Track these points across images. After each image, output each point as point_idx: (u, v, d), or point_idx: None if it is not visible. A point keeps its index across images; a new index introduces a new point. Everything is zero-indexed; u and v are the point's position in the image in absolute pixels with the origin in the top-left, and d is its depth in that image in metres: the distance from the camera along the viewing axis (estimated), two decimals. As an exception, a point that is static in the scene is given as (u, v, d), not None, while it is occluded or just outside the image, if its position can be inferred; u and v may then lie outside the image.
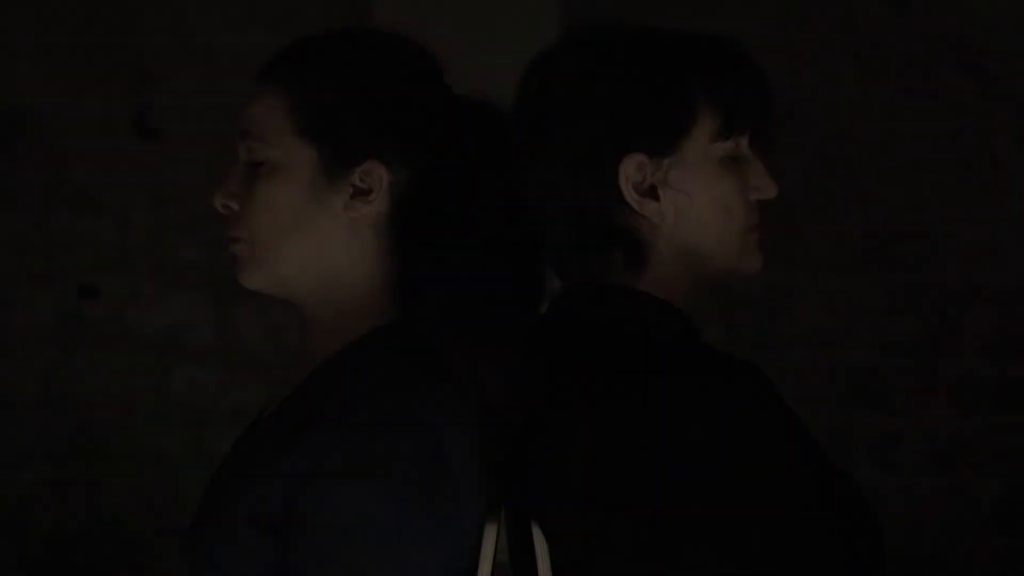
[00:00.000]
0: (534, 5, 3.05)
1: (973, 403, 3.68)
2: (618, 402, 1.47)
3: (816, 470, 1.49)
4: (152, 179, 3.58)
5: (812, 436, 1.51)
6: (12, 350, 3.57)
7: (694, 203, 1.54)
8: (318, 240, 1.52)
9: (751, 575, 1.44)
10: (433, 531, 1.43)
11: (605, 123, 1.53)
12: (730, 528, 1.44)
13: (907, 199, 3.64)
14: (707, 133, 1.54)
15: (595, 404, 1.48)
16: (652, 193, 1.53)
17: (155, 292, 3.60)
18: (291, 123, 1.51)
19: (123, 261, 3.59)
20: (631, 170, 1.53)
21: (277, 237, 1.52)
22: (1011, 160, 3.65)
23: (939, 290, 3.67)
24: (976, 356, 3.68)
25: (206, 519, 1.50)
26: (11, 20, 3.52)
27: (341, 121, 1.50)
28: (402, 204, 1.52)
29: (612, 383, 1.48)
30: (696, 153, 1.54)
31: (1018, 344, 3.68)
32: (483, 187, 1.52)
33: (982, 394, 3.68)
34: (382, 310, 1.53)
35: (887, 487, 3.67)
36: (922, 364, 3.70)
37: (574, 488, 1.48)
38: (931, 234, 3.67)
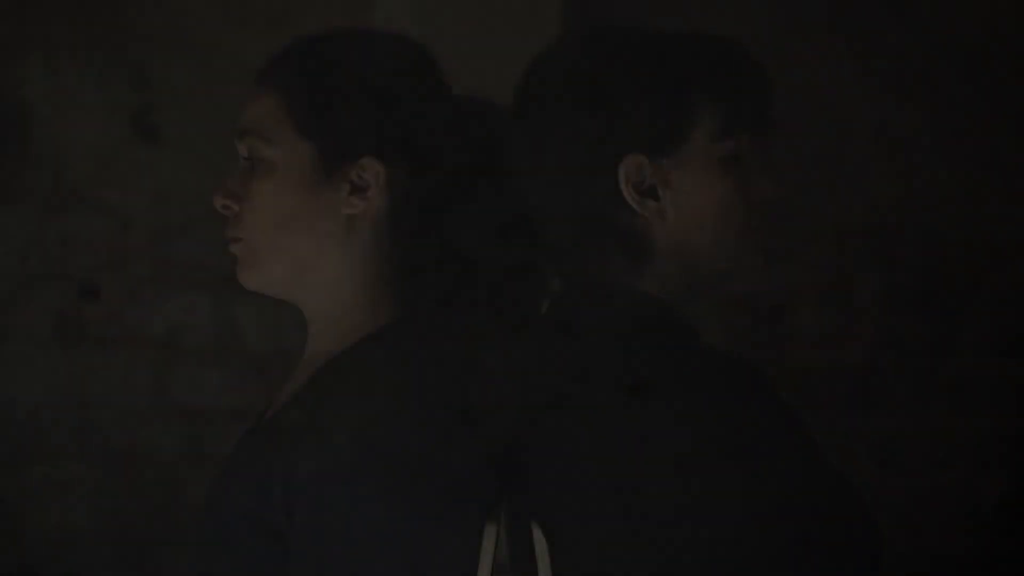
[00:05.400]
0: (534, 5, 3.05)
1: (973, 403, 3.68)
2: (618, 403, 1.47)
3: (813, 475, 1.49)
4: (152, 179, 3.58)
5: (812, 438, 1.51)
6: (12, 350, 3.57)
7: (695, 203, 1.54)
8: (317, 237, 1.52)
9: (747, 573, 1.44)
10: (433, 532, 1.43)
11: (605, 123, 1.53)
12: (730, 530, 1.44)
13: (907, 199, 3.64)
14: (707, 133, 1.54)
15: (595, 404, 1.48)
16: (652, 193, 1.54)
17: (155, 292, 3.60)
18: (290, 121, 1.52)
19: (123, 261, 3.59)
20: (631, 170, 1.53)
21: (276, 236, 1.52)
22: (1011, 160, 3.65)
23: (939, 290, 3.67)
24: (976, 356, 3.68)
25: (208, 522, 1.51)
26: (11, 20, 3.52)
27: (339, 118, 1.51)
28: (400, 201, 1.52)
29: (612, 383, 1.49)
30: (696, 153, 1.54)
31: (1018, 344, 3.68)
32: (482, 185, 1.53)
33: (982, 394, 3.68)
34: (381, 308, 1.53)
35: (887, 487, 3.67)
36: (922, 364, 3.70)
37: (575, 489, 1.48)
38: (931, 234, 3.67)
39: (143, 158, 3.63)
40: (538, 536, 1.51)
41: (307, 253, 1.53)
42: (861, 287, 3.70)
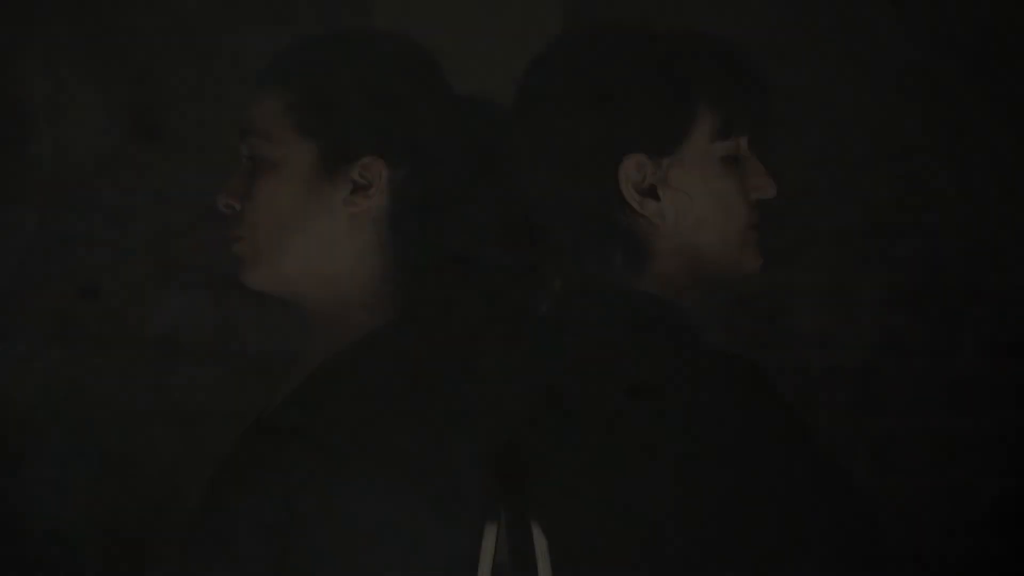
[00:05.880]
0: (534, 5, 3.05)
1: (973, 403, 3.68)
2: (618, 403, 1.47)
3: (814, 474, 1.49)
4: (152, 179, 3.59)
5: (813, 437, 1.51)
6: (12, 350, 3.57)
7: (694, 202, 1.54)
8: (319, 236, 1.52)
9: (747, 572, 1.45)
10: (432, 531, 1.43)
11: (605, 123, 1.53)
12: (730, 530, 1.44)
13: (907, 199, 3.64)
14: (707, 132, 1.54)
15: (595, 405, 1.48)
16: (652, 193, 1.54)
17: (155, 292, 3.60)
18: (292, 121, 1.52)
19: (123, 261, 3.59)
20: (631, 170, 1.53)
21: (279, 235, 1.52)
22: (1011, 160, 3.65)
23: (939, 290, 3.67)
24: (976, 356, 3.68)
25: (206, 520, 1.51)
26: (11, 20, 3.52)
27: (340, 117, 1.51)
28: (401, 200, 1.53)
29: (612, 384, 1.49)
30: (696, 152, 1.54)
31: (1018, 344, 3.68)
32: (482, 185, 1.53)
33: (982, 394, 3.68)
34: (382, 307, 1.53)
35: (887, 487, 3.67)
36: (922, 365, 3.70)
37: (575, 488, 1.48)
38: (931, 234, 3.67)
39: (143, 158, 3.63)
40: (538, 536, 1.51)
41: (309, 252, 1.53)
42: (861, 287, 3.70)
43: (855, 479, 1.53)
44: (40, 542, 3.63)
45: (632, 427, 1.46)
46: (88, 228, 3.65)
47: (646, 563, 1.45)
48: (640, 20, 1.59)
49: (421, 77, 1.56)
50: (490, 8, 3.03)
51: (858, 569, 1.48)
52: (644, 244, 1.55)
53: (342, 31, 1.60)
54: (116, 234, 3.68)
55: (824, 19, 3.67)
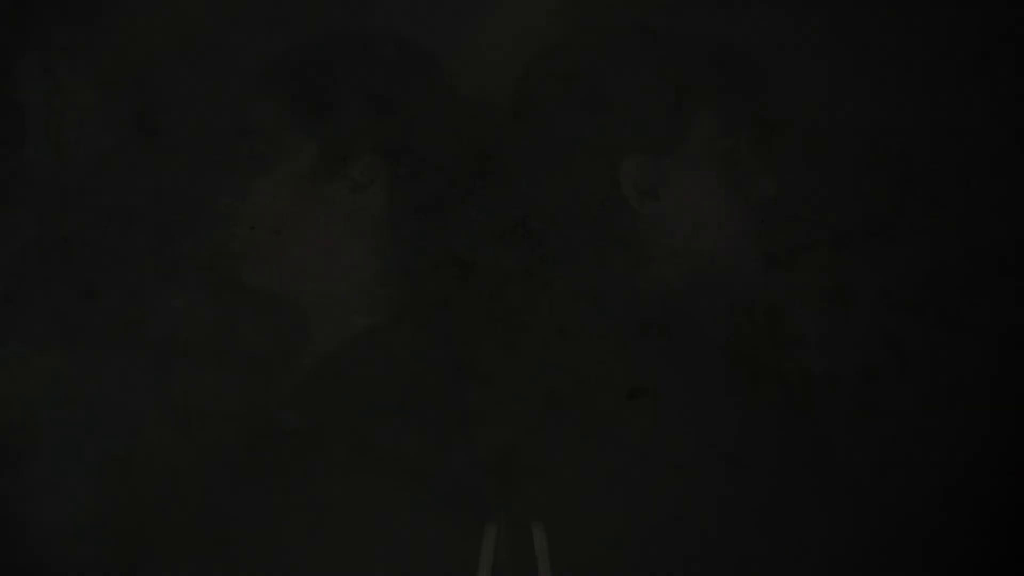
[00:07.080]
0: (534, 6, 3.06)
1: (972, 402, 3.69)
2: (618, 404, 1.48)
3: (815, 474, 1.50)
4: (152, 179, 3.59)
5: (814, 437, 1.52)
6: (12, 350, 3.58)
7: (695, 203, 1.55)
8: (317, 236, 1.53)
9: (747, 571, 1.45)
10: (432, 531, 1.44)
11: (605, 124, 1.54)
12: (730, 530, 1.45)
13: (906, 198, 3.65)
14: (707, 133, 1.55)
15: (595, 406, 1.49)
16: (652, 193, 1.54)
17: (155, 292, 3.60)
18: (292, 121, 1.53)
19: (123, 261, 3.60)
20: (631, 170, 1.54)
21: (278, 235, 1.53)
22: (1011, 159, 3.66)
23: (939, 289, 3.68)
24: (976, 358, 3.69)
25: (205, 520, 1.51)
26: (9, 19, 3.53)
27: (340, 118, 1.52)
28: (400, 200, 1.54)
29: (612, 385, 1.49)
30: (696, 152, 1.55)
31: (1018, 344, 3.69)
32: (481, 186, 1.54)
33: (982, 394, 3.69)
34: (381, 307, 1.54)
35: (887, 487, 3.67)
36: (922, 364, 3.70)
37: (575, 488, 1.49)
38: (930, 233, 3.68)
39: (143, 158, 3.64)
40: (538, 536, 1.52)
41: (308, 252, 1.54)
42: (861, 288, 3.71)
43: (855, 481, 1.53)
44: (40, 542, 3.63)
45: (632, 428, 1.47)
46: (88, 228, 3.65)
47: (646, 563, 1.46)
48: (639, 20, 1.60)
49: (420, 77, 1.57)
50: (489, 9, 3.04)
51: (859, 569, 1.48)
52: (644, 244, 1.55)
53: (342, 32, 1.60)
54: (116, 234, 3.68)
55: (823, 19, 3.67)
